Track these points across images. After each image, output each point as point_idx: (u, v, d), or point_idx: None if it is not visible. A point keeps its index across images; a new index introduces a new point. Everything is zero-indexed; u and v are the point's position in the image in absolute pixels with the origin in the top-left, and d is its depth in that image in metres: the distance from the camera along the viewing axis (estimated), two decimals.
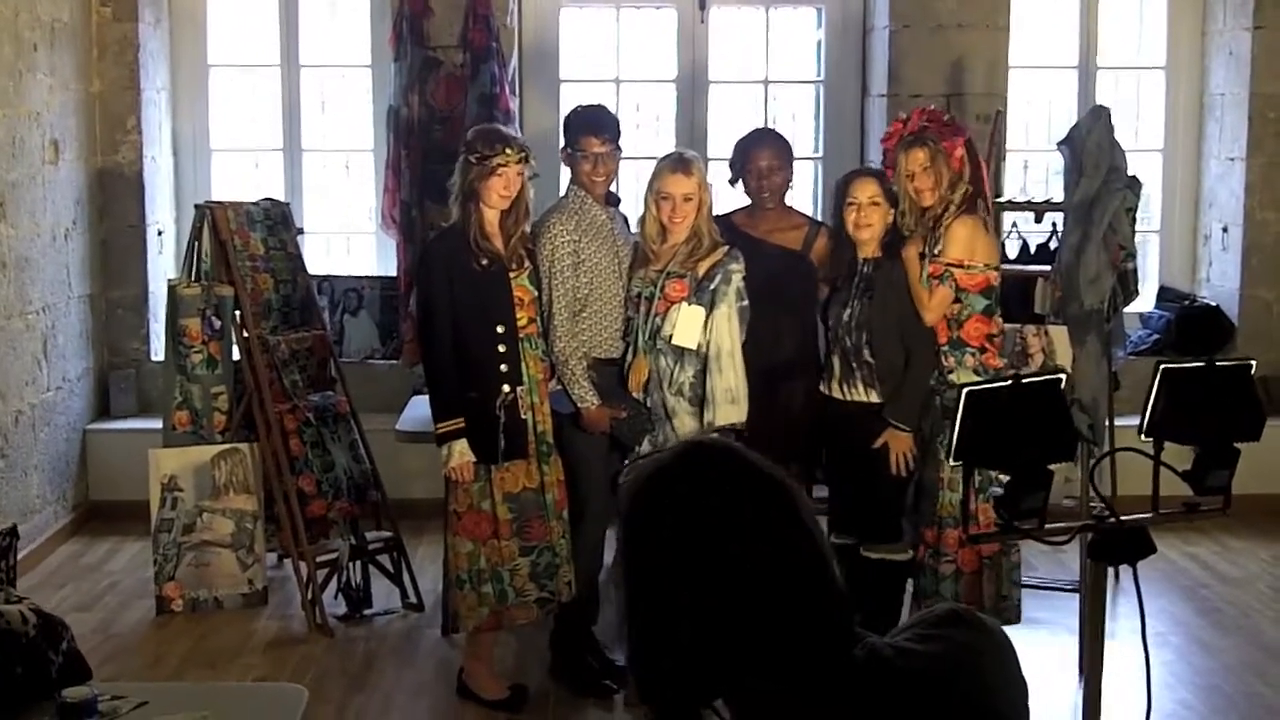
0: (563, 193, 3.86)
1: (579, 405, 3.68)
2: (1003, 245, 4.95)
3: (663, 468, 1.21)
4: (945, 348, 3.54)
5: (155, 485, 4.26)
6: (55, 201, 4.97)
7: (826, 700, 1.14)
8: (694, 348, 3.62)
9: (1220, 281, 5.64)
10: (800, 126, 5.95)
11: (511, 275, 3.67)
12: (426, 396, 3.73)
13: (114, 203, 5.38)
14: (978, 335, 3.50)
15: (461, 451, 3.59)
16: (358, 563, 4.24)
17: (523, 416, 3.63)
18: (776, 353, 3.77)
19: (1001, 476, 2.22)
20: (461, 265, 3.62)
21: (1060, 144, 4.36)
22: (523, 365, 3.65)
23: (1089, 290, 4.08)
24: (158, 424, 4.48)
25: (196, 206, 4.47)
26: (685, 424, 3.64)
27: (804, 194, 5.64)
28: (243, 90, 5.83)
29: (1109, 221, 4.08)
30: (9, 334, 4.61)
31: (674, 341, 3.62)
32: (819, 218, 4.38)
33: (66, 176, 5.07)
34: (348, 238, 5.98)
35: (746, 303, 3.66)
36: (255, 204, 4.53)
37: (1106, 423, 4.22)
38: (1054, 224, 4.72)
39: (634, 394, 3.67)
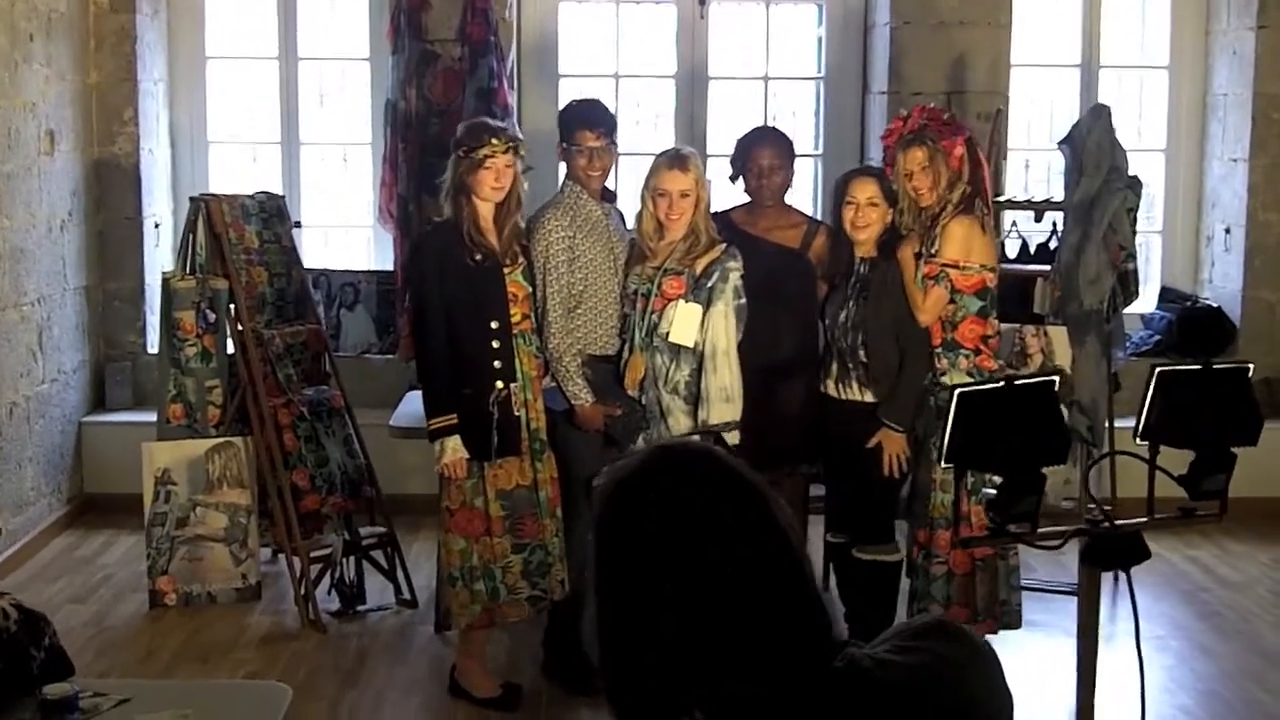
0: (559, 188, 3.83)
1: (573, 402, 3.66)
2: (1003, 245, 4.92)
3: (637, 470, 1.19)
4: (939, 349, 3.51)
5: (149, 479, 4.24)
6: (51, 193, 4.95)
7: (804, 710, 1.11)
8: (690, 345, 3.59)
9: (1222, 283, 5.61)
10: (800, 123, 5.92)
11: (505, 271, 3.65)
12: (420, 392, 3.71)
13: (110, 194, 5.36)
14: (972, 337, 3.47)
15: (454, 448, 3.57)
16: (351, 558, 4.22)
17: (516, 413, 3.61)
18: (775, 351, 3.74)
19: (993, 478, 2.20)
20: (455, 260, 3.59)
21: (1061, 143, 4.34)
22: (516, 362, 3.62)
23: (1089, 290, 4.06)
24: (153, 417, 4.46)
25: (191, 199, 4.45)
26: (680, 422, 3.61)
27: (804, 192, 5.61)
28: (241, 82, 5.81)
29: (1109, 221, 4.06)
30: (4, 326, 4.59)
31: (670, 339, 3.60)
32: (819, 215, 4.36)
33: (62, 168, 5.05)
34: (346, 231, 5.96)
35: (744, 301, 3.64)
36: (250, 197, 4.50)
37: (1106, 424, 4.20)
38: (1054, 223, 4.69)
39: (630, 391, 3.65)
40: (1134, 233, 4.24)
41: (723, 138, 5.16)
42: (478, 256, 3.61)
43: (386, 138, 5.19)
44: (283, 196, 4.68)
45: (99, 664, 3.81)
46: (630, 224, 3.87)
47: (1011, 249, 4.88)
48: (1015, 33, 5.47)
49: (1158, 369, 2.09)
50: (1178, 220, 5.79)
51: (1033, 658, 3.88)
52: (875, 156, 4.97)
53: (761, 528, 1.15)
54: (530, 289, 3.68)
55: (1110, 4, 5.67)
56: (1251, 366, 2.14)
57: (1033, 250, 4.82)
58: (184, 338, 4.29)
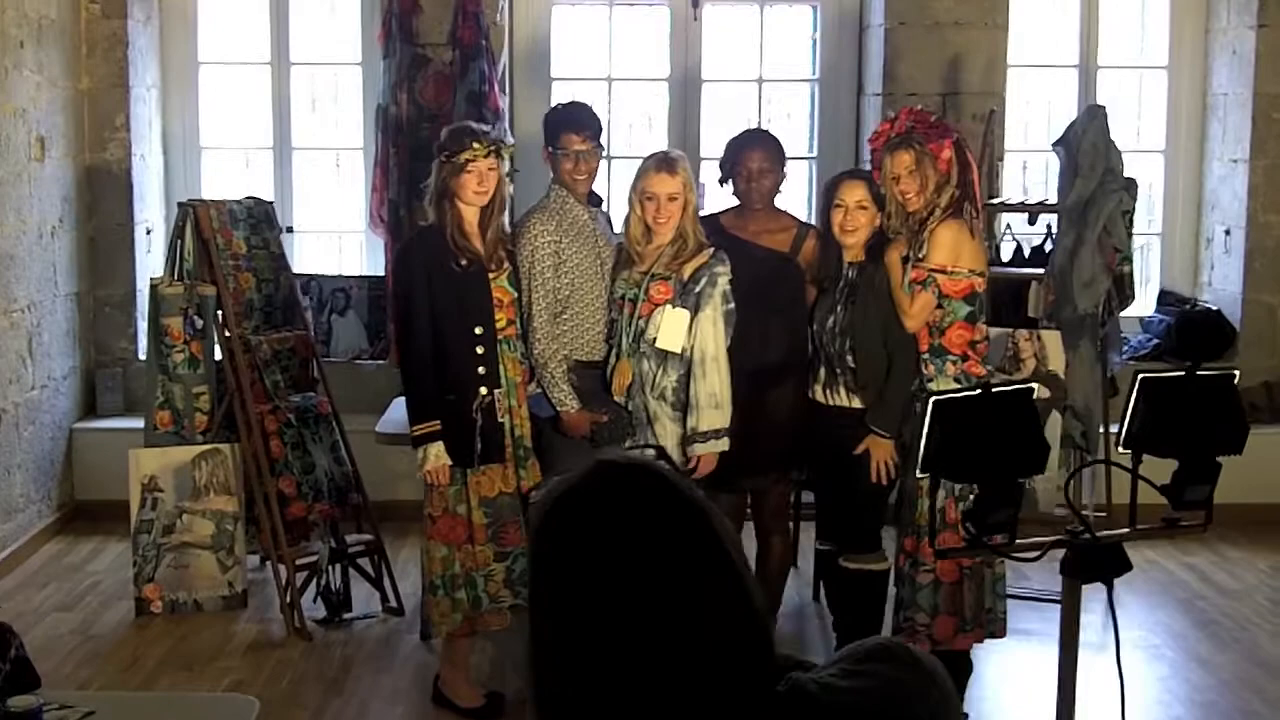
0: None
1: (558, 409, 3.63)
2: (997, 248, 4.87)
3: (575, 486, 1.15)
4: (926, 355, 3.46)
5: (135, 486, 4.21)
6: (42, 199, 4.93)
7: None
8: (678, 351, 3.56)
9: (1222, 285, 5.55)
10: (795, 126, 5.88)
11: (491, 276, 3.62)
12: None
13: (102, 200, 5.34)
14: (960, 342, 3.43)
15: (437, 454, 3.54)
16: (337, 566, 4.19)
17: (500, 420, 3.58)
18: (764, 356, 3.70)
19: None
20: (440, 265, 3.57)
21: (1055, 144, 4.29)
22: (501, 368, 3.59)
23: (1083, 294, 4.01)
24: (143, 423, 4.43)
25: (179, 205, 4.43)
26: (667, 429, 3.58)
27: (798, 194, 5.57)
28: (233, 88, 5.78)
29: (1104, 224, 4.01)
30: None
31: (658, 345, 3.56)
32: (813, 218, 4.32)
33: (53, 174, 5.03)
34: (339, 237, 5.93)
35: (732, 306, 3.60)
36: (238, 202, 4.48)
37: (1101, 430, 4.15)
38: (1049, 226, 4.64)
39: (616, 398, 3.61)
40: (1130, 235, 4.19)
41: (716, 141, 5.10)
42: (463, 261, 3.58)
43: (378, 142, 5.17)
44: (271, 202, 4.65)
45: (82, 672, 3.78)
46: (618, 228, 3.84)
47: (1006, 252, 4.83)
48: (1012, 33, 5.42)
49: (1140, 375, 2.04)
50: (1177, 222, 5.73)
51: (1024, 666, 3.84)
52: (869, 159, 4.92)
53: (702, 546, 1.11)
54: (516, 294, 3.65)
55: (1109, 3, 5.62)
56: (1238, 373, 2.09)
57: (1027, 253, 4.77)
58: (171, 344, 4.27)
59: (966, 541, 1.91)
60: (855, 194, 3.59)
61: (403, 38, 5.14)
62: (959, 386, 3.34)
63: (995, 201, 4.72)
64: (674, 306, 3.56)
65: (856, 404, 3.55)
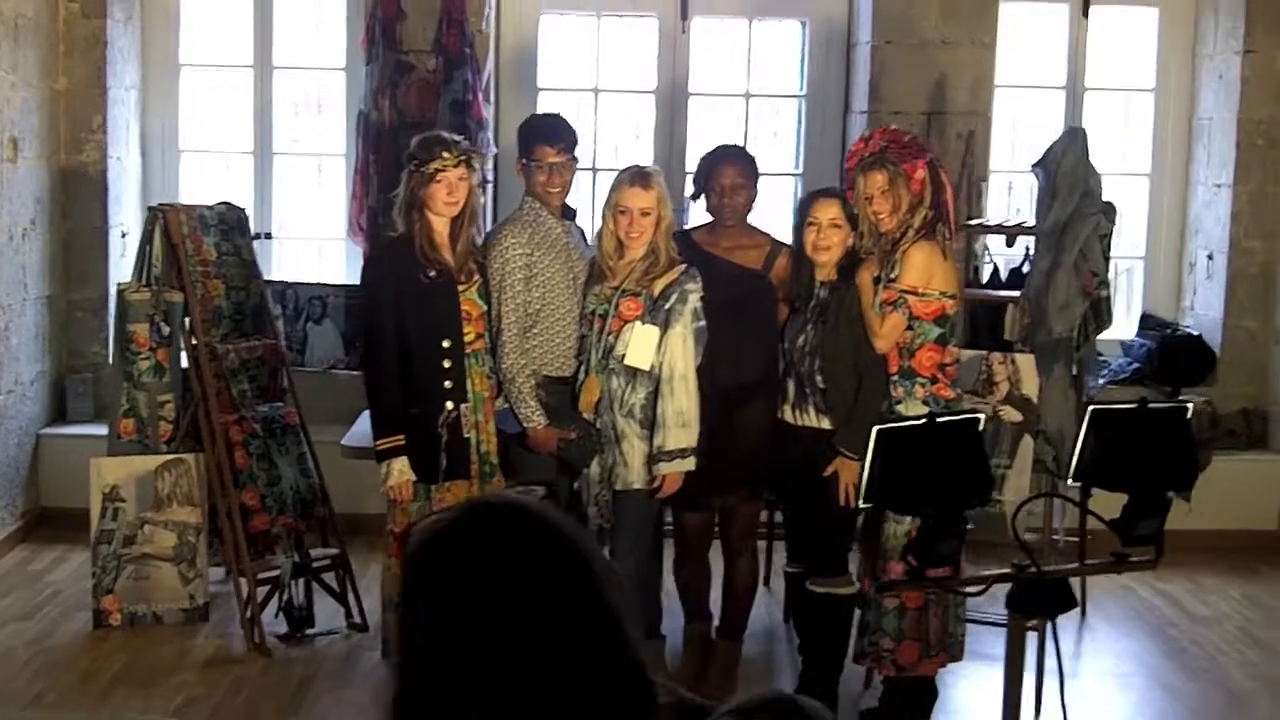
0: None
1: (525, 425, 3.58)
2: (975, 270, 4.83)
3: (448, 527, 1.11)
4: (895, 377, 3.42)
5: (96, 495, 4.16)
6: (13, 200, 4.89)
7: None
8: (646, 368, 3.52)
9: (1204, 310, 5.52)
10: (781, 143, 5.84)
11: (460, 288, 3.59)
12: None
13: (77, 203, 5.29)
14: (929, 365, 3.39)
15: (401, 470, 3.50)
16: (301, 580, 4.13)
17: (466, 435, 3.54)
18: (736, 374, 3.66)
19: None
20: (408, 276, 3.53)
21: (1034, 166, 4.25)
22: (468, 382, 3.55)
23: (1058, 317, 3.97)
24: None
25: (149, 208, 4.39)
26: (635, 447, 3.54)
27: (783, 212, 5.53)
28: (215, 91, 5.74)
29: (1080, 248, 3.97)
30: None
31: (626, 362, 3.52)
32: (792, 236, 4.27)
33: (26, 175, 4.98)
34: (320, 244, 5.89)
35: (703, 323, 3.57)
36: (210, 208, 4.43)
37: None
38: (1027, 248, 4.60)
39: (585, 414, 3.57)
40: (1107, 259, 4.15)
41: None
42: (431, 273, 3.55)
43: (358, 149, 5.13)
44: (243, 208, 4.60)
45: (37, 684, 3.73)
46: (592, 242, 3.80)
47: (986, 274, 4.79)
48: (1000, 53, 5.39)
49: (1091, 407, 2.00)
50: (1161, 246, 5.70)
51: (988, 691, 3.78)
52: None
53: (578, 590, 1.07)
54: (485, 307, 3.61)
55: (1097, 26, 5.59)
56: (1190, 406, 2.04)
57: (1005, 275, 4.73)
58: (137, 351, 4.22)
59: (909, 574, 1.86)
60: (829, 212, 3.56)
61: (386, 44, 5.10)
62: (927, 410, 3.30)
63: (973, 223, 4.68)
64: (643, 323, 3.52)
65: (826, 425, 3.51)
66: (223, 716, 3.47)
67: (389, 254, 3.63)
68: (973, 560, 3.51)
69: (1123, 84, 5.79)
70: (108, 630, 4.11)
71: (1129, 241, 5.67)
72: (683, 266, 3.57)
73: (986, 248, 4.92)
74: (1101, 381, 4.77)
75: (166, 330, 4.21)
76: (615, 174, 3.68)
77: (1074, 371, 4.03)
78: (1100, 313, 4.14)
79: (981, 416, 1.96)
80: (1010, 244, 4.60)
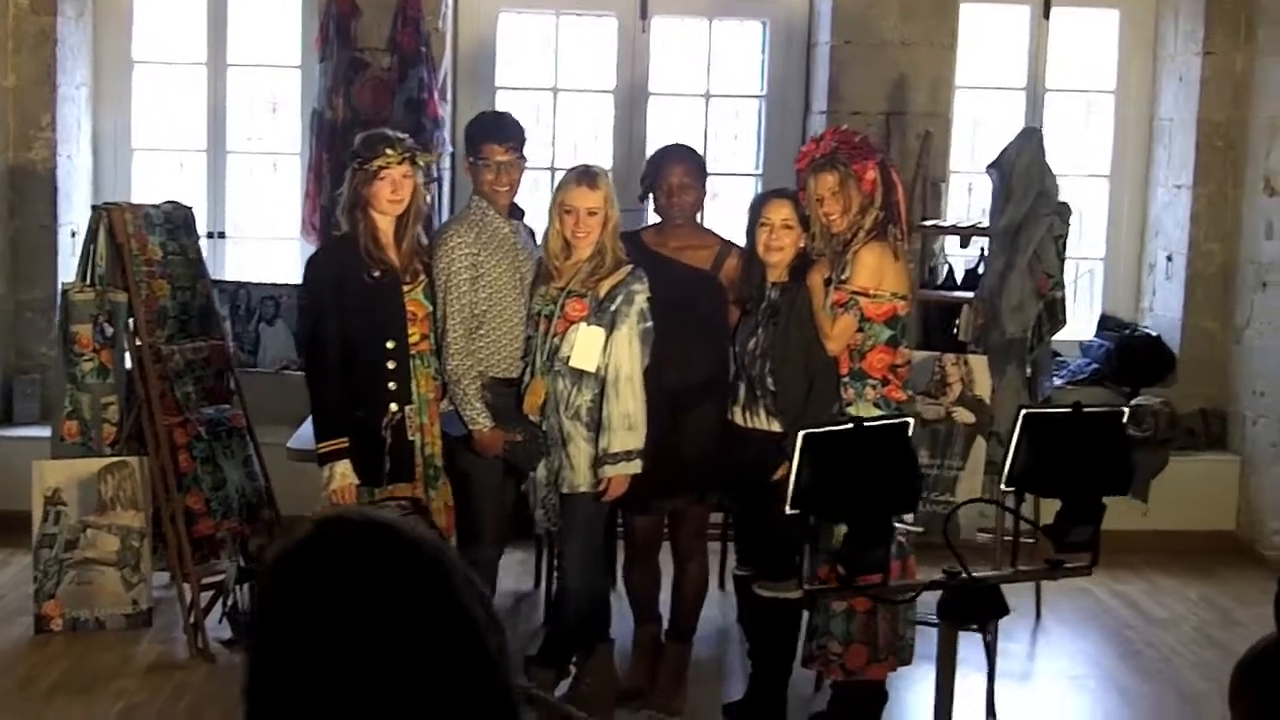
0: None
1: (470, 428, 3.53)
2: (931, 270, 4.81)
3: (300, 546, 1.06)
4: (846, 379, 3.40)
5: (38, 498, 4.08)
6: None
7: None
8: (592, 370, 3.47)
9: (1163, 311, 5.52)
10: (741, 143, 5.81)
11: (405, 288, 3.53)
12: None
13: (25, 202, 5.20)
14: (880, 366, 3.36)
15: (344, 473, 3.45)
16: (246, 585, 4.06)
17: (410, 437, 3.48)
18: (685, 375, 3.62)
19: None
20: (351, 276, 3.48)
21: (989, 167, 4.24)
22: (413, 384, 3.50)
23: (1012, 318, 3.95)
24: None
25: (94, 207, 4.31)
26: (581, 449, 3.49)
27: (743, 212, 5.49)
28: (168, 88, 5.66)
29: (1034, 249, 3.96)
30: None
31: (571, 363, 3.48)
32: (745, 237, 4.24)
33: None
34: (273, 243, 5.81)
35: (650, 324, 3.52)
36: (156, 206, 4.36)
37: None
38: (982, 249, 4.59)
39: (530, 416, 3.52)
40: (1062, 261, 4.14)
41: None
42: (376, 273, 3.49)
43: (312, 147, 5.06)
44: (190, 207, 4.53)
45: None
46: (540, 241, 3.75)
47: (941, 275, 4.77)
48: (960, 54, 5.37)
49: (1024, 411, 1.96)
50: (1120, 247, 5.70)
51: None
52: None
53: (440, 612, 1.02)
54: (430, 308, 3.56)
55: (1058, 27, 5.59)
56: (1126, 411, 2.02)
57: (960, 276, 4.71)
58: (80, 352, 4.14)
59: (839, 581, 1.82)
60: (781, 213, 3.53)
61: (340, 41, 5.04)
62: (880, 412, 3.27)
63: (927, 224, 4.66)
64: (589, 324, 3.47)
65: (776, 427, 3.48)
66: None
67: (332, 254, 3.58)
68: (924, 563, 3.48)
69: (1083, 85, 5.79)
70: (49, 636, 4.04)
71: (1089, 242, 5.67)
72: (629, 267, 3.53)
73: (943, 249, 4.90)
74: (1059, 382, 4.75)
75: (110, 331, 4.14)
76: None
77: (1028, 373, 4.02)
78: (1054, 314, 4.13)
79: (911, 421, 1.92)
80: (965, 245, 4.58)
